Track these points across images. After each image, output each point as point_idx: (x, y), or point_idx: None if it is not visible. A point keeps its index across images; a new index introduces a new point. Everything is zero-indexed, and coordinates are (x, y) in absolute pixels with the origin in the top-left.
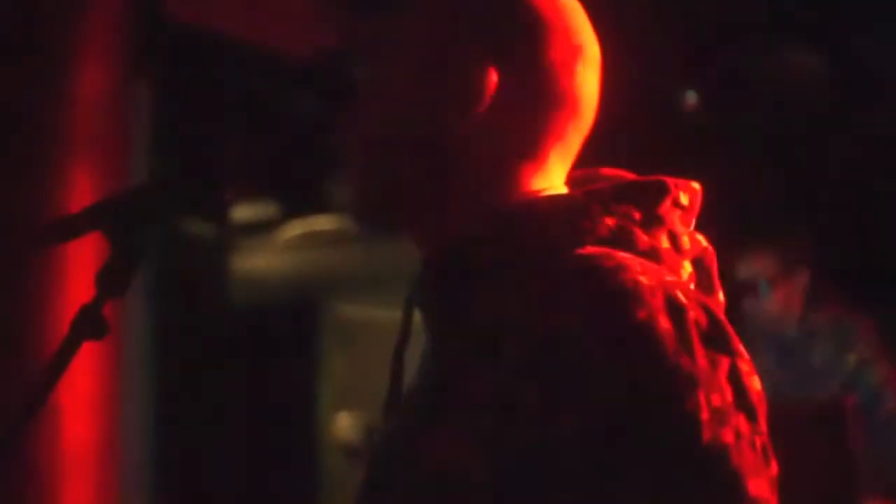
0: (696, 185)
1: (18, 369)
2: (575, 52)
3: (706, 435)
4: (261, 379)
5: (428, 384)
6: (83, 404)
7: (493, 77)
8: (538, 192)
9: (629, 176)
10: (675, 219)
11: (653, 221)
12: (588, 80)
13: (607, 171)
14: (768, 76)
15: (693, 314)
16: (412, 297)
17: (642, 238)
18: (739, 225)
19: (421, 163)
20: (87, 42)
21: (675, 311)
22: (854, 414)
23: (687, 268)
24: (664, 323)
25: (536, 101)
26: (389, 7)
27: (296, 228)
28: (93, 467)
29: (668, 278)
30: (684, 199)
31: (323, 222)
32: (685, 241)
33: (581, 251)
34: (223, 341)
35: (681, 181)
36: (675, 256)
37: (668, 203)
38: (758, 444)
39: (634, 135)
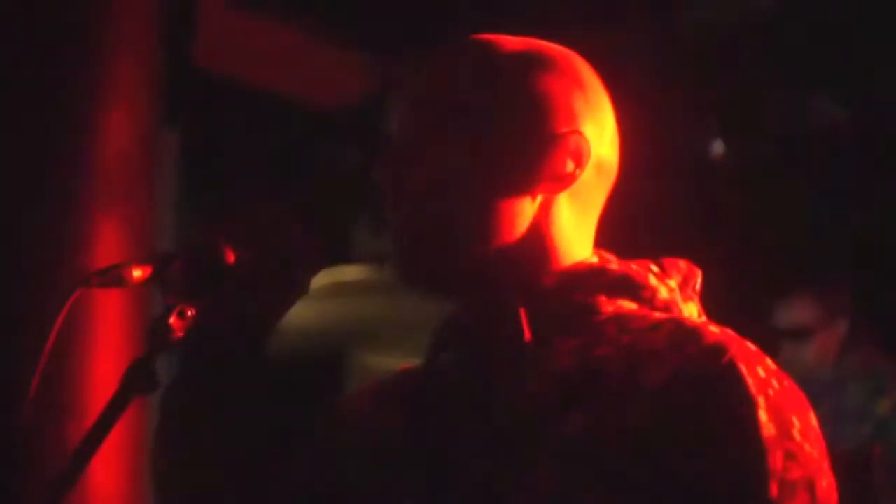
0: (700, 273)
1: (51, 413)
2: (615, 125)
3: (818, 486)
4: (287, 429)
5: (495, 415)
6: (110, 453)
7: (591, 153)
8: (591, 255)
9: (607, 257)
10: (695, 299)
11: (687, 298)
12: (618, 147)
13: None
14: (800, 125)
15: (787, 380)
16: (448, 342)
17: (684, 312)
18: (779, 272)
19: (494, 226)
20: (117, 91)
21: (779, 374)
22: (881, 462)
23: None
24: (776, 384)
25: (603, 171)
26: (460, 66)
27: (323, 279)
28: None
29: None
30: (698, 284)
31: (350, 272)
32: (703, 320)
33: (672, 316)
34: (250, 391)
35: (693, 266)
36: None
37: (692, 284)
38: (835, 499)
39: (667, 184)
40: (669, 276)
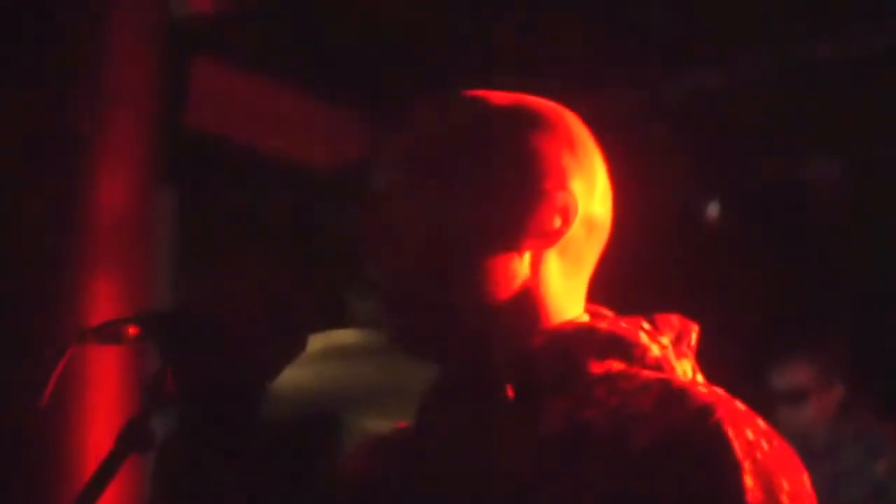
0: (696, 328)
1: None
2: (607, 182)
3: None
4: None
5: (471, 488)
6: None
7: (578, 208)
8: (582, 312)
9: (607, 311)
10: (690, 355)
11: (680, 355)
12: (610, 205)
13: (588, 305)
14: (791, 189)
15: (777, 440)
16: (432, 408)
17: (677, 370)
18: (775, 335)
19: (482, 285)
20: (113, 150)
21: (769, 435)
22: None
23: None
24: (766, 446)
25: (592, 227)
26: (442, 125)
27: (317, 342)
28: None
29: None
30: (693, 339)
31: (344, 336)
32: (698, 377)
33: (656, 377)
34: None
35: (689, 322)
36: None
37: (686, 341)
38: None
39: (661, 245)
40: (662, 333)
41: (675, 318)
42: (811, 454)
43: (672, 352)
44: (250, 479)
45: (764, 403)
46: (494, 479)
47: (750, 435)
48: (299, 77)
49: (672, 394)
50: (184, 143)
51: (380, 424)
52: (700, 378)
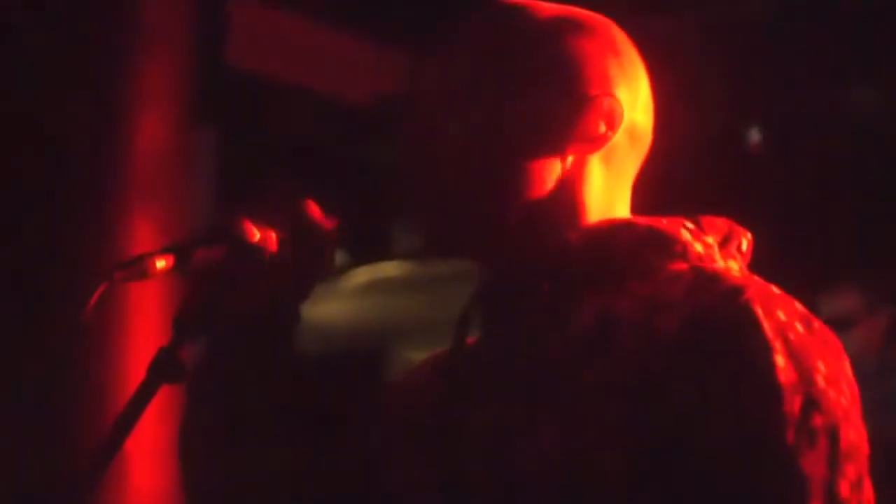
0: (749, 235)
1: (88, 408)
2: (650, 93)
3: (843, 433)
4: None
5: (511, 381)
6: (149, 452)
7: (623, 114)
8: (622, 216)
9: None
10: (739, 259)
11: (727, 256)
12: (652, 116)
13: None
14: (837, 112)
15: (817, 323)
16: (480, 300)
17: (722, 268)
18: (823, 261)
19: (527, 189)
20: (150, 89)
21: (805, 318)
22: None
23: None
24: (801, 328)
25: (635, 135)
26: (487, 31)
27: (362, 275)
28: None
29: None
30: (744, 245)
31: (388, 269)
32: None
33: (695, 265)
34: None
35: (739, 228)
36: None
37: (734, 244)
38: (866, 449)
39: (705, 172)
40: (706, 233)
41: (721, 221)
42: (863, 379)
43: (718, 251)
44: (285, 409)
45: None
46: (526, 378)
47: (782, 315)
48: (337, 12)
49: (703, 279)
50: (224, 80)
51: (424, 356)
52: None
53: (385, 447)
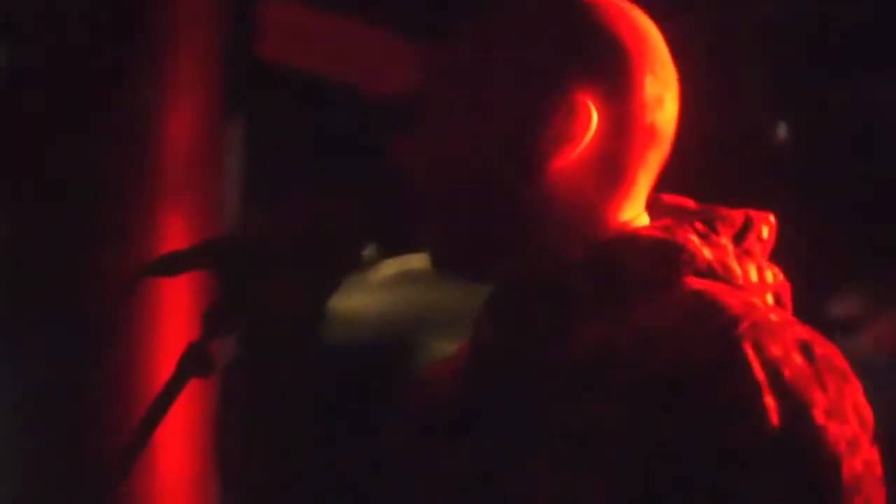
0: (772, 218)
1: (118, 406)
2: (665, 84)
3: (846, 468)
4: (356, 417)
5: (498, 410)
6: (179, 440)
7: (594, 111)
8: (629, 221)
9: (690, 203)
10: (758, 252)
11: (743, 255)
12: (673, 111)
13: (668, 197)
14: (859, 108)
15: (820, 349)
16: (484, 320)
17: (736, 272)
18: (833, 261)
19: (510, 201)
20: (180, 82)
21: (805, 347)
22: None
23: (769, 300)
24: (798, 359)
25: (631, 133)
26: (463, 38)
27: (390, 268)
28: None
29: (786, 315)
30: (765, 232)
31: (417, 261)
32: (768, 275)
33: (698, 286)
34: (318, 380)
35: (761, 213)
36: (761, 289)
37: (753, 236)
38: (878, 471)
39: (725, 165)
40: (718, 232)
41: (736, 214)
42: (874, 381)
43: (732, 250)
44: (316, 402)
45: (823, 332)
46: (527, 402)
47: (776, 350)
48: (369, 7)
49: (701, 309)
50: (253, 75)
51: (453, 348)
52: (770, 276)
53: (406, 441)
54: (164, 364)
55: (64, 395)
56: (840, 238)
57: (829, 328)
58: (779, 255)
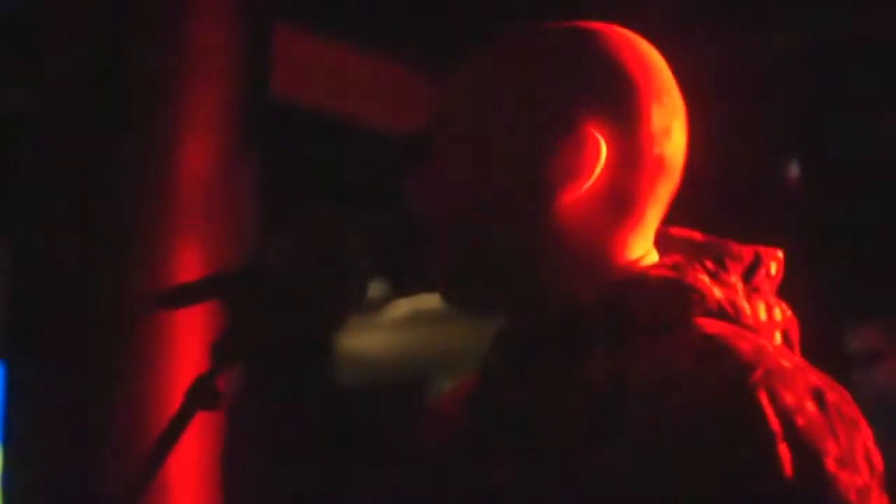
0: (780, 254)
1: (129, 438)
2: (672, 113)
3: None
4: (369, 457)
5: (519, 439)
6: (191, 474)
7: (602, 143)
8: (639, 258)
9: (698, 236)
10: (767, 288)
11: (752, 292)
12: (681, 141)
13: (676, 231)
14: (868, 148)
15: (831, 396)
16: (495, 357)
17: (745, 311)
18: (850, 297)
19: (520, 235)
20: (195, 117)
21: (817, 394)
22: None
23: (777, 338)
24: (811, 407)
25: (640, 165)
26: (471, 72)
27: (402, 307)
28: None
29: (797, 359)
30: (773, 269)
31: (429, 301)
32: (776, 312)
33: (709, 328)
34: (330, 419)
35: (769, 250)
36: (769, 328)
37: (762, 273)
38: None
39: (738, 204)
40: (728, 270)
41: (745, 250)
42: (891, 418)
43: (741, 289)
44: (320, 433)
45: (840, 366)
46: (537, 437)
47: (789, 398)
48: (385, 43)
49: (712, 354)
50: (269, 109)
51: None
52: (778, 314)
53: (420, 472)
54: (178, 388)
55: (77, 417)
56: (858, 272)
57: (847, 363)
58: (797, 290)
